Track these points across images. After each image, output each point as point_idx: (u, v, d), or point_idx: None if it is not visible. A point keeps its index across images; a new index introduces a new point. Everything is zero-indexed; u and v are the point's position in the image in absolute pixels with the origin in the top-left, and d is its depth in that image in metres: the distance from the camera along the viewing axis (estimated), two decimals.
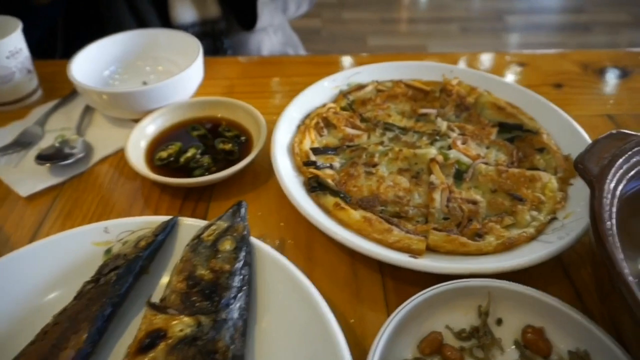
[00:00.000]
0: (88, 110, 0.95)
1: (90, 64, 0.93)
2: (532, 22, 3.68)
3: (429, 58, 1.03)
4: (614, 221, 0.55)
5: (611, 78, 1.07)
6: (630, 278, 0.47)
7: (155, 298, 0.57)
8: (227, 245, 0.59)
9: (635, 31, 3.49)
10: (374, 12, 3.74)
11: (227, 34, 1.32)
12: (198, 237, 0.61)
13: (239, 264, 0.57)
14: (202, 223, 0.64)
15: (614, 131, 0.66)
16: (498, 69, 1.12)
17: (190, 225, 0.64)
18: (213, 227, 0.61)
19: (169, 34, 1.00)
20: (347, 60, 1.14)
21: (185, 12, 1.24)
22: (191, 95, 0.94)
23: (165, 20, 1.23)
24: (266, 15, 1.26)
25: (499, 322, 0.56)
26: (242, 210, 0.63)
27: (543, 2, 3.96)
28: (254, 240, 0.61)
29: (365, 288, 0.63)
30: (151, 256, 0.61)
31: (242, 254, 0.58)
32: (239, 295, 0.56)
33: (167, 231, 0.62)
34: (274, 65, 1.13)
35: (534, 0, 3.99)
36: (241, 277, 0.57)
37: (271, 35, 1.42)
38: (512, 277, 0.58)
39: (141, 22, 1.20)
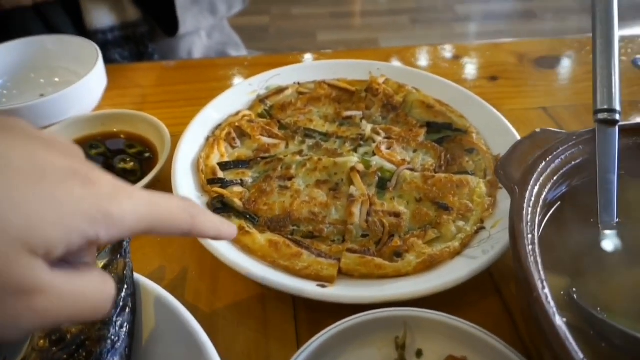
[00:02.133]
0: None
1: None
2: (482, 11, 3.69)
3: (357, 55, 0.96)
4: (535, 233, 0.50)
5: (546, 68, 1.03)
6: (551, 304, 0.41)
7: (15, 358, 0.48)
8: None
9: (582, 17, 3.54)
10: (324, 6, 3.67)
11: (152, 38, 1.22)
12: None
13: (115, 311, 0.49)
14: None
15: (537, 130, 0.61)
16: (432, 64, 1.06)
17: None
18: None
19: (62, 40, 0.89)
20: (279, 60, 1.06)
21: (101, 17, 1.12)
22: (93, 108, 0.85)
23: (79, 26, 1.12)
24: (190, 19, 1.16)
25: (419, 353, 0.50)
26: (124, 245, 0.54)
27: None
28: (140, 278, 0.53)
29: (275, 321, 0.56)
30: None
31: (121, 296, 0.50)
32: (117, 347, 0.47)
33: None
34: (194, 70, 1.04)
35: None
36: (119, 325, 0.48)
37: (203, 37, 1.32)
38: (435, 299, 0.52)
39: (52, 29, 1.09)
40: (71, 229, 0.28)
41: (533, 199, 0.52)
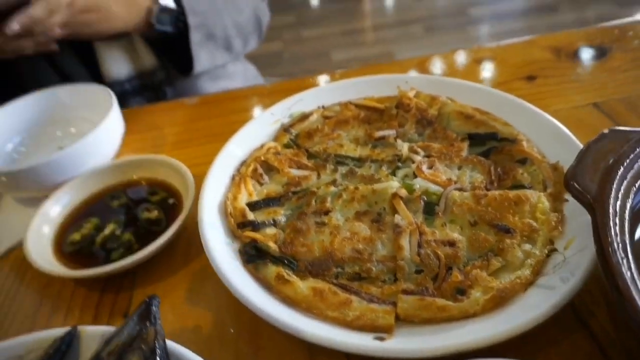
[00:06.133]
0: None
1: None
2: (496, 11, 3.60)
3: (375, 70, 0.90)
4: (629, 250, 0.42)
5: (588, 60, 0.95)
6: None
7: None
8: None
9: (602, 3, 3.41)
10: (334, 25, 3.65)
11: (169, 82, 1.19)
12: (97, 356, 0.46)
13: None
14: (109, 329, 0.50)
15: (605, 131, 0.53)
16: (461, 70, 0.99)
17: (94, 335, 0.50)
18: (116, 339, 0.47)
19: (75, 89, 0.87)
20: (297, 85, 1.01)
21: (118, 68, 1.10)
22: (113, 155, 0.81)
23: (96, 78, 1.10)
24: (205, 57, 1.13)
25: None
26: (153, 310, 0.48)
27: None
28: (174, 347, 0.47)
29: None
30: None
31: None
32: None
33: (61, 350, 0.48)
34: (211, 105, 1.00)
35: None
36: None
37: (220, 74, 1.29)
38: (510, 340, 0.44)
39: (67, 79, 1.07)
40: None
41: (618, 212, 0.44)
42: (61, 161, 0.72)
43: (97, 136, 0.75)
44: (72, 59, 1.08)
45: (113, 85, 1.09)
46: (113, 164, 0.76)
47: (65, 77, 1.07)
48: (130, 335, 0.47)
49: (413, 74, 0.98)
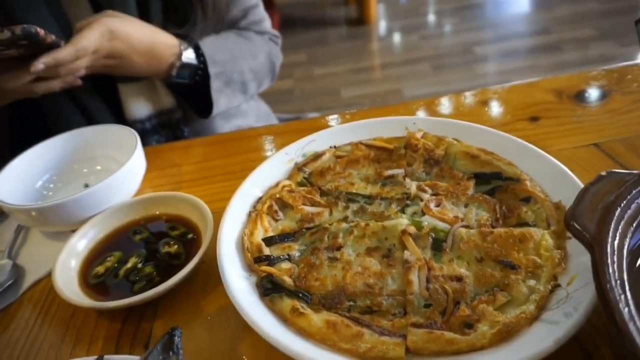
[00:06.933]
0: (23, 227, 0.85)
1: (19, 178, 0.84)
2: (501, 49, 3.70)
3: (384, 111, 0.94)
4: (627, 287, 0.44)
5: (589, 102, 0.99)
6: None
7: None
8: None
9: (604, 44, 3.50)
10: (344, 64, 3.76)
11: (186, 121, 1.25)
12: None
13: None
14: (134, 359, 0.52)
15: (603, 173, 0.56)
16: (466, 111, 1.04)
17: None
18: None
19: (102, 130, 0.92)
20: (308, 124, 1.06)
21: (139, 107, 1.16)
22: (135, 192, 0.85)
23: (119, 118, 1.16)
24: (223, 100, 1.19)
25: None
26: (176, 340, 0.51)
27: (509, 29, 3.99)
28: None
29: None
30: None
31: None
32: None
33: None
34: (228, 144, 1.05)
35: (500, 28, 4.03)
36: None
37: (234, 112, 1.35)
38: None
39: (93, 123, 1.13)
40: None
41: (616, 251, 0.47)
42: (87, 198, 0.77)
43: (121, 174, 0.79)
44: (95, 97, 1.14)
45: (134, 123, 1.14)
46: (135, 200, 0.80)
47: (88, 116, 1.13)
48: None
49: (421, 114, 1.02)
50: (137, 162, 0.83)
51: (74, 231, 0.76)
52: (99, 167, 0.92)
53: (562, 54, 3.48)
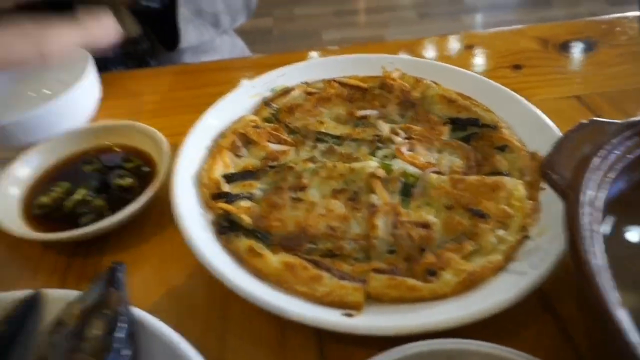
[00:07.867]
0: None
1: None
2: (491, 1, 3.59)
3: (365, 49, 0.88)
4: (600, 239, 0.42)
5: (575, 53, 0.95)
6: (633, 335, 0.33)
7: None
8: (95, 329, 0.44)
9: (594, 1, 3.43)
10: (327, 5, 3.60)
11: (153, 54, 1.16)
12: (60, 319, 0.45)
13: (109, 354, 0.42)
14: (73, 294, 0.49)
15: (584, 121, 0.53)
16: (448, 55, 0.98)
17: (58, 299, 0.48)
18: (80, 304, 0.46)
19: None
20: (284, 59, 0.99)
21: None
22: (88, 120, 0.78)
23: None
24: (192, 32, 1.09)
25: None
26: (118, 276, 0.47)
27: None
28: (139, 314, 0.46)
29: (298, 356, 0.49)
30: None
31: (115, 337, 0.43)
32: None
33: (20, 314, 0.47)
34: (192, 75, 0.98)
35: None
36: None
37: (207, 47, 1.25)
38: (477, 324, 0.45)
39: None
40: None
41: (592, 201, 0.44)
42: (31, 121, 0.70)
43: (70, 97, 0.72)
44: (52, 21, 1.04)
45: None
46: (87, 127, 0.73)
47: None
48: (95, 300, 0.46)
49: (401, 55, 0.97)
50: (89, 85, 0.76)
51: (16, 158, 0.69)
52: (46, 91, 0.84)
53: (551, 9, 3.41)
